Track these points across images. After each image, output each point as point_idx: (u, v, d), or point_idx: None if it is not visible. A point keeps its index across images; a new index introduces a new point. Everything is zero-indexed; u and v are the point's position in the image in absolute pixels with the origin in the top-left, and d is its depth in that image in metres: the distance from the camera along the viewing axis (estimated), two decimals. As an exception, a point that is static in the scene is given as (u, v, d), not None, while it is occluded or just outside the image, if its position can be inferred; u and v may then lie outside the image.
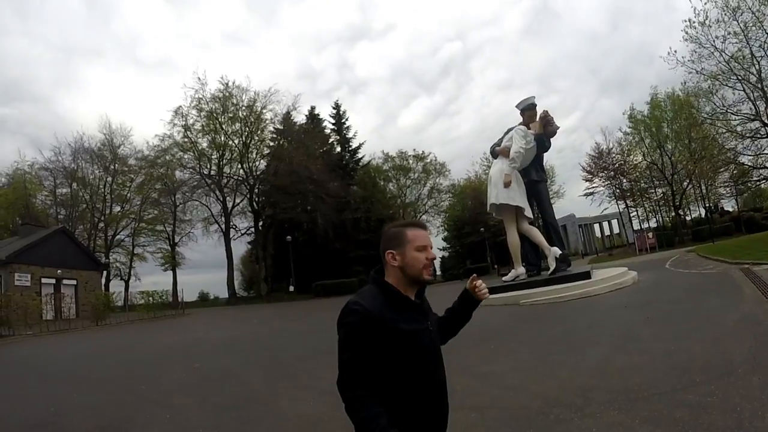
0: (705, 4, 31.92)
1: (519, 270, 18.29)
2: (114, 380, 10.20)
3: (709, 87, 33.89)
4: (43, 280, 35.57)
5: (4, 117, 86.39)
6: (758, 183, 41.91)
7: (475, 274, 2.45)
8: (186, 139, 56.99)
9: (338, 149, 66.17)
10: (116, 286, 55.10)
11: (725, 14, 31.35)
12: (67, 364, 13.70)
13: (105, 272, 51.23)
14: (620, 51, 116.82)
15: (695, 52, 32.86)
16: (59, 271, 37.33)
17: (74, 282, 38.91)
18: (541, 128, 17.99)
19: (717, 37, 32.00)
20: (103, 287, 45.96)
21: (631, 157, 59.38)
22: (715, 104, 34.49)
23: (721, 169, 44.08)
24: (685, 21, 32.75)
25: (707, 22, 32.01)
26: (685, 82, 35.48)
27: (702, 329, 7.68)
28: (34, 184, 56.56)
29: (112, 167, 59.17)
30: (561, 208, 63.72)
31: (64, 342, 21.08)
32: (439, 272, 68.89)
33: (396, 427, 1.86)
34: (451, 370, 6.64)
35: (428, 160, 70.79)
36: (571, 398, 5.29)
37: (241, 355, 12.49)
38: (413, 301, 2.15)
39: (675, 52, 33.61)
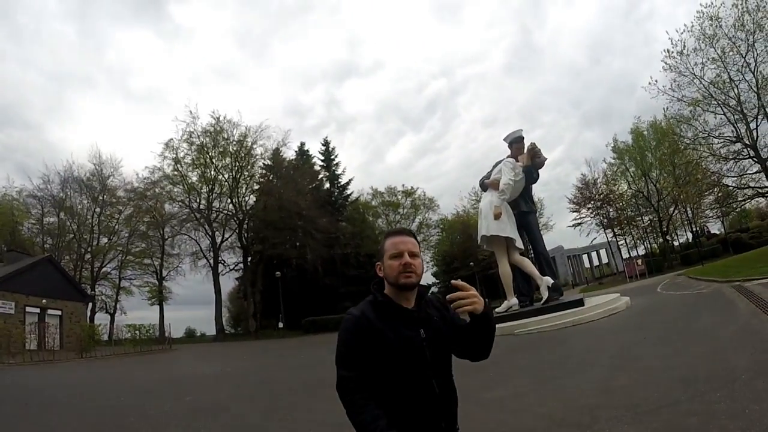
0: (681, 33, 32.93)
1: (512, 301, 18.26)
2: (102, 410, 10.02)
3: (690, 113, 34.68)
4: (28, 309, 34.82)
5: None
6: (743, 203, 42.45)
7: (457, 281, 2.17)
8: (176, 173, 56.52)
9: (327, 185, 66.12)
10: (101, 319, 54.11)
11: (702, 42, 32.30)
12: (53, 394, 13.40)
13: (90, 304, 50.35)
14: (602, 83, 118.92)
15: (675, 81, 33.82)
16: (44, 300, 36.51)
17: (59, 312, 38.10)
18: (529, 160, 18.15)
19: (696, 65, 32.92)
20: (88, 319, 45.24)
21: (617, 186, 60.02)
22: (697, 129, 35.17)
23: (707, 193, 44.51)
24: (664, 51, 33.74)
25: (685, 51, 32.98)
26: (666, 108, 36.23)
27: (701, 343, 7.75)
28: (21, 211, 55.91)
29: (101, 198, 58.61)
30: (549, 240, 63.91)
31: (48, 372, 20.76)
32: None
33: (395, 429, 1.89)
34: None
35: (417, 195, 71.01)
36: (577, 417, 5.29)
37: (233, 389, 12.32)
38: (405, 308, 2.15)
39: (656, 81, 34.61)
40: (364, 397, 1.96)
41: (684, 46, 32.92)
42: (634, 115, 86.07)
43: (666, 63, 33.74)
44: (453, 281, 2.24)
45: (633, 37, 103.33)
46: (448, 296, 2.13)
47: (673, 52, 33.28)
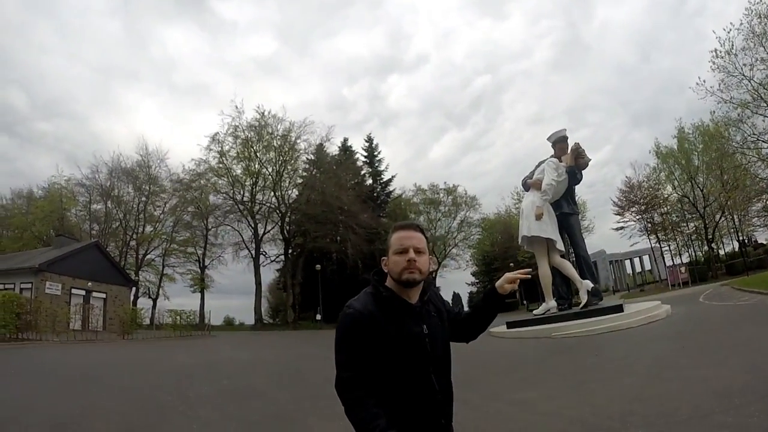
0: (729, 32, 31.86)
1: (550, 303, 18.11)
2: (140, 389, 10.31)
3: (738, 115, 33.65)
4: (74, 291, 36.26)
5: (44, 132, 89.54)
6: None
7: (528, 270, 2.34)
8: (221, 165, 57.48)
9: (369, 181, 66.31)
10: (144, 304, 55.17)
11: (751, 41, 31.27)
12: (93, 371, 13.83)
13: (134, 289, 51.71)
14: (651, 82, 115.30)
15: (723, 81, 32.78)
16: (90, 283, 38.01)
17: (104, 295, 39.57)
18: (572, 161, 17.98)
19: (744, 65, 31.94)
20: (131, 303, 46.34)
21: (661, 190, 58.29)
22: (745, 133, 34.18)
23: (754, 199, 43.23)
24: (712, 51, 32.72)
25: (733, 50, 31.97)
26: (713, 112, 35.27)
27: (740, 356, 7.59)
28: (69, 198, 57.42)
29: (147, 188, 60.04)
30: (591, 244, 62.75)
31: (90, 351, 21.36)
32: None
33: (394, 428, 1.86)
34: (483, 396, 6.70)
35: (458, 193, 70.51)
36: (608, 423, 5.29)
37: (269, 375, 12.54)
38: (409, 303, 2.12)
39: (704, 82, 33.52)
40: (364, 394, 1.93)
41: (732, 45, 31.93)
42: (683, 115, 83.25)
43: (714, 63, 32.75)
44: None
45: (683, 33, 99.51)
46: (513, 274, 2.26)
47: (721, 52, 32.28)
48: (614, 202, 61.39)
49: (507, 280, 2.25)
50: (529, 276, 2.28)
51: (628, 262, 79.59)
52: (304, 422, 6.95)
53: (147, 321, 46.23)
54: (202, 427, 6.93)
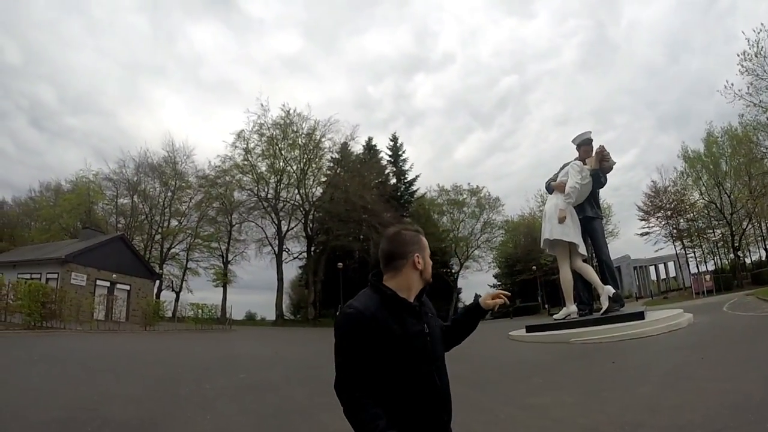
0: (759, 33, 31.28)
1: (571, 308, 17.93)
2: (158, 379, 10.49)
3: (767, 119, 32.98)
4: (98, 282, 37.14)
5: (72, 127, 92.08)
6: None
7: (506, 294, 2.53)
8: (246, 162, 58.34)
9: (393, 180, 66.69)
10: (167, 297, 56.43)
11: None
12: (113, 360, 14.13)
13: (158, 282, 52.73)
14: (679, 84, 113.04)
15: (752, 84, 32.18)
16: (114, 275, 38.91)
17: (128, 287, 40.44)
18: (597, 163, 17.77)
19: (774, 67, 31.15)
20: (154, 295, 47.35)
21: (687, 195, 57.35)
22: (774, 137, 33.44)
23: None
24: (740, 55, 32.16)
25: (762, 52, 31.38)
26: (742, 115, 34.70)
27: (760, 369, 7.44)
28: (96, 192, 58.57)
29: (173, 183, 60.96)
30: (616, 249, 62.12)
31: (111, 340, 21.81)
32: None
33: (395, 429, 1.89)
34: (496, 400, 6.71)
35: (482, 195, 70.31)
36: (620, 432, 5.26)
37: (286, 371, 12.60)
38: (410, 303, 2.17)
39: (732, 85, 32.89)
40: (363, 395, 1.96)
41: (760, 46, 31.35)
42: (712, 119, 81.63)
43: (742, 65, 32.16)
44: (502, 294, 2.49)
45: (712, 34, 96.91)
46: (496, 291, 2.47)
47: (749, 54, 31.71)
48: (639, 207, 60.70)
49: (490, 297, 2.44)
50: (507, 300, 2.50)
51: (652, 269, 78.55)
52: (317, 417, 6.97)
53: (169, 314, 46.98)
54: (216, 417, 7.03)
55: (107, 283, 38.07)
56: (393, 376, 2.02)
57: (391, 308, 2.10)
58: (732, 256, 56.81)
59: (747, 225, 54.39)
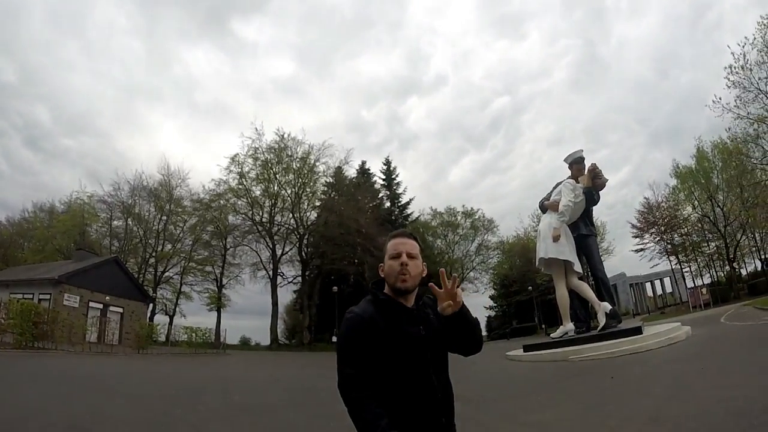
0: (744, 46, 31.76)
1: (568, 326, 17.85)
2: (150, 400, 10.43)
3: (755, 131, 33.50)
4: (91, 304, 37.10)
5: (68, 148, 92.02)
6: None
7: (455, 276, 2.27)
8: (241, 186, 58.97)
9: (387, 204, 67.08)
10: (160, 320, 56.04)
11: (765, 55, 31.10)
12: (106, 381, 14.05)
13: (151, 305, 52.80)
14: (670, 99, 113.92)
15: (739, 97, 32.61)
16: (107, 297, 38.89)
17: (121, 310, 40.39)
18: (589, 181, 17.80)
19: (760, 79, 31.76)
20: (147, 319, 47.41)
21: (680, 210, 57.52)
22: (764, 148, 33.98)
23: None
24: (726, 68, 32.54)
25: (747, 65, 31.82)
26: (729, 128, 35.18)
27: (761, 376, 7.39)
28: (90, 214, 58.98)
29: (168, 207, 61.11)
30: (612, 267, 62.28)
31: (103, 362, 21.66)
32: (485, 332, 67.95)
33: (396, 428, 1.93)
34: (496, 418, 6.66)
35: (476, 217, 70.44)
36: (622, 444, 5.20)
37: (281, 393, 12.63)
38: (406, 306, 2.27)
39: (720, 99, 33.32)
40: (366, 395, 2.02)
41: (746, 59, 31.81)
42: (703, 132, 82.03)
43: (729, 79, 32.62)
44: (440, 269, 2.47)
45: (701, 48, 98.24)
46: (431, 286, 2.30)
47: (736, 67, 32.17)
48: (632, 224, 60.79)
49: (440, 299, 2.22)
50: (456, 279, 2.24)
51: (648, 285, 78.54)
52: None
53: (162, 337, 47.00)
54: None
55: (100, 305, 38.05)
56: (391, 377, 2.10)
57: (387, 312, 2.22)
58: (727, 268, 56.84)
59: (741, 236, 54.66)
